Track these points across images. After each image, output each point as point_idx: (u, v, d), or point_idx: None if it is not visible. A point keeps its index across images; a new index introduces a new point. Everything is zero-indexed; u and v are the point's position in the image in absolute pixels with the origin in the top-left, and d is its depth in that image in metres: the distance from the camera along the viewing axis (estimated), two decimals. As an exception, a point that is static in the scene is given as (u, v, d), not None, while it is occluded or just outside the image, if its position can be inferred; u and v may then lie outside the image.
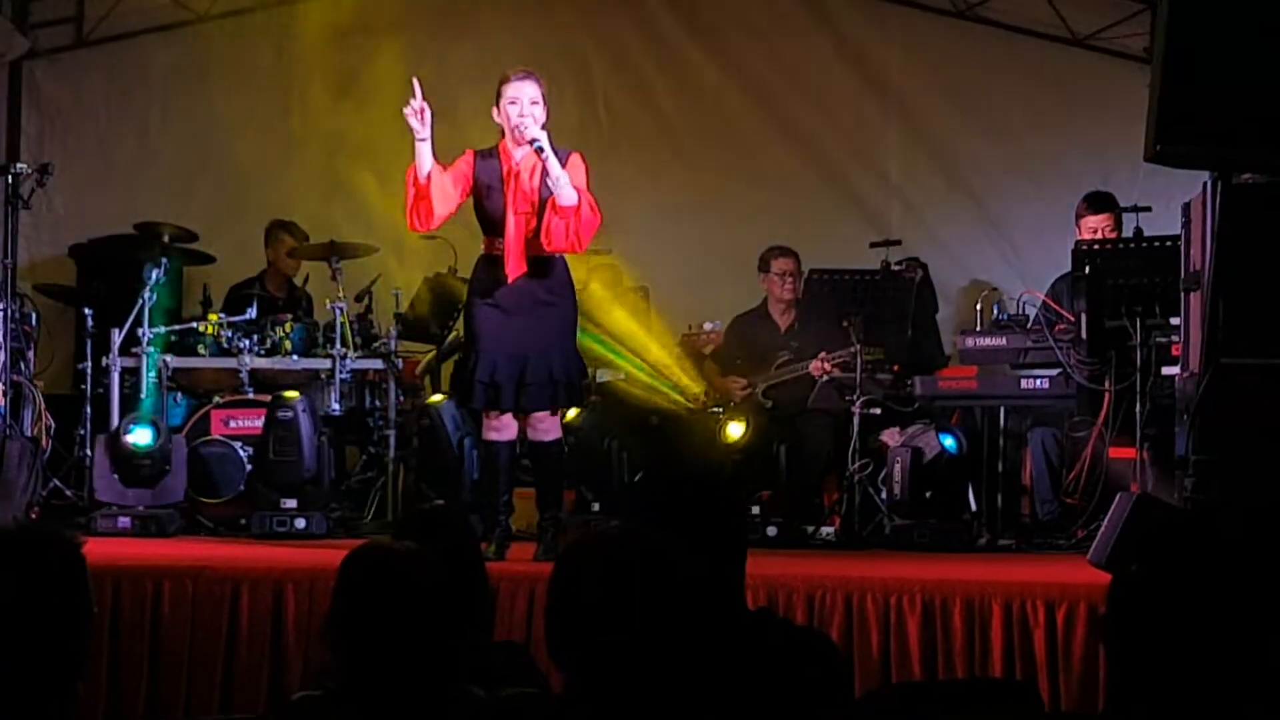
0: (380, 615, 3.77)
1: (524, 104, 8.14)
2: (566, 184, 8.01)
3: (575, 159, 8.19)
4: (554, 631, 3.53)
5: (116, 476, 9.60)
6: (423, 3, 12.53)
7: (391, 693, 3.73)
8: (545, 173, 8.06)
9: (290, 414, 9.71)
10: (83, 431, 10.23)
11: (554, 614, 3.54)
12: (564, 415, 8.78)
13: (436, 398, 10.40)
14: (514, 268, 8.17)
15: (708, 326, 11.00)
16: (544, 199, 8.11)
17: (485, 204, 8.27)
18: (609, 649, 3.42)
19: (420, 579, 3.83)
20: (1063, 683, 6.78)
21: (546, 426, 8.40)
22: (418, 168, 8.12)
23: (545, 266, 8.24)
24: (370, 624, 3.77)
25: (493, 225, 8.26)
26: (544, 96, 8.19)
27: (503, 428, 8.35)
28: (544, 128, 8.12)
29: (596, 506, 9.98)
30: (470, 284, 8.50)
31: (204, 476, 9.97)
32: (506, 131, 8.22)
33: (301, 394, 9.97)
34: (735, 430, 10.00)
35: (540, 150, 8.02)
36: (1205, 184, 7.17)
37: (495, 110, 8.26)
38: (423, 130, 8.10)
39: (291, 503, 9.62)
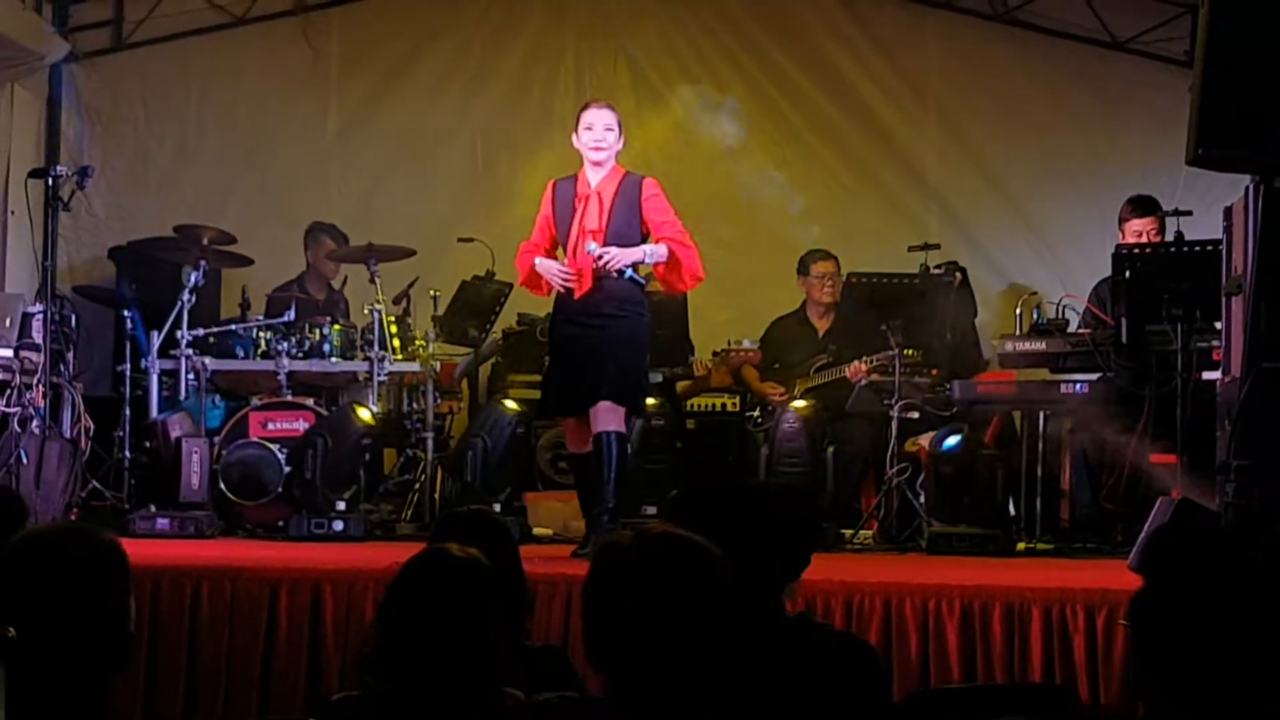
0: (438, 621, 3.75)
1: (599, 129, 8.55)
2: (648, 253, 8.50)
3: (651, 185, 8.63)
4: (590, 633, 3.52)
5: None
6: (461, 8, 12.52)
7: (432, 696, 3.72)
8: (623, 204, 8.51)
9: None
10: (121, 433, 10.26)
11: (589, 615, 3.53)
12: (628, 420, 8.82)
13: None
14: (580, 286, 8.49)
15: (745, 344, 10.96)
16: (613, 224, 8.49)
17: (561, 227, 8.63)
18: (644, 651, 3.40)
19: (480, 587, 3.82)
20: (1102, 688, 6.75)
21: (604, 418, 8.51)
22: (534, 269, 8.65)
23: (614, 284, 8.53)
24: (426, 629, 3.75)
25: (567, 246, 8.60)
26: (619, 124, 8.63)
27: (581, 440, 8.61)
28: (618, 155, 8.63)
29: (653, 511, 9.97)
30: (554, 303, 8.82)
31: (242, 479, 9.99)
32: (584, 156, 8.58)
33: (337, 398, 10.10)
34: (799, 403, 10.07)
35: (600, 259, 8.44)
36: (1247, 188, 7.12)
37: (575, 137, 8.63)
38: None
39: (341, 504, 9.68)
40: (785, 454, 10.08)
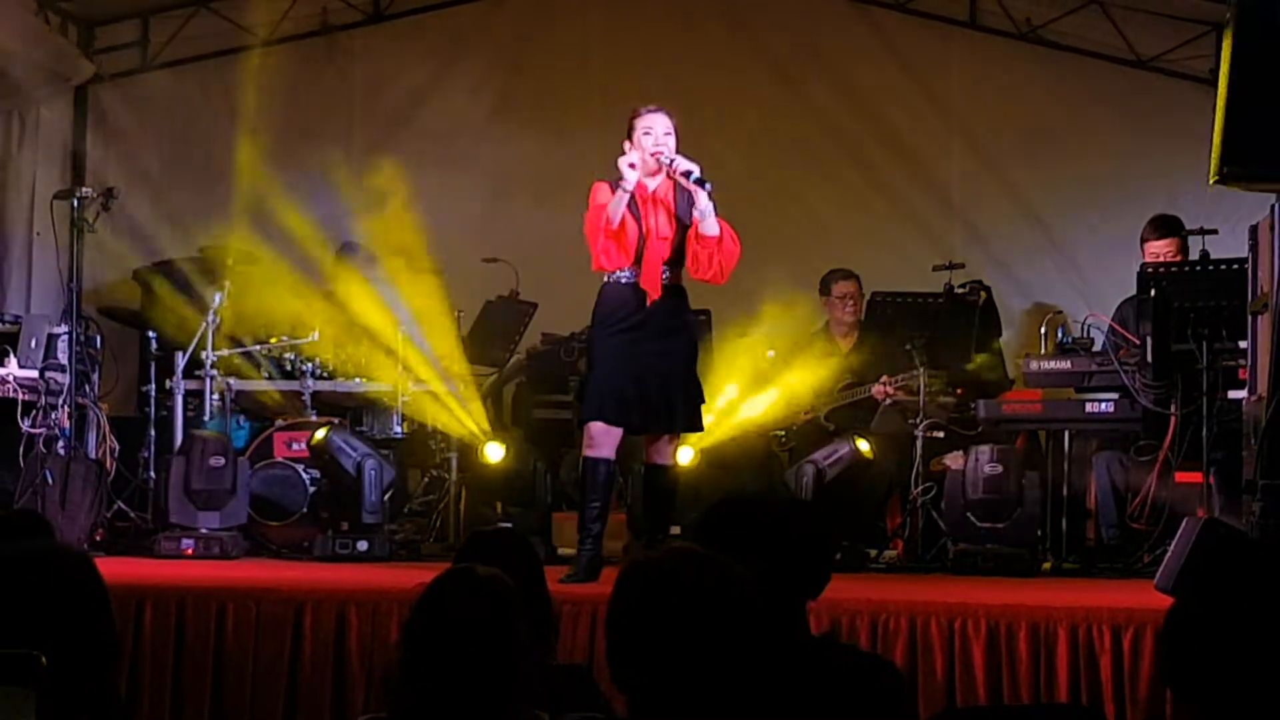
0: (463, 641, 3.75)
1: (658, 134, 8.27)
2: (712, 215, 8.18)
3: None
4: (613, 652, 3.52)
5: (186, 498, 9.64)
6: (486, 30, 12.55)
7: (458, 716, 3.72)
8: (684, 203, 8.22)
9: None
10: (146, 454, 10.28)
11: (613, 635, 3.53)
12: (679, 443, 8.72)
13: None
14: (653, 291, 8.25)
15: (770, 355, 10.94)
16: (681, 227, 8.27)
17: (620, 232, 8.30)
18: (668, 670, 3.40)
19: (505, 607, 3.82)
20: (1129, 708, 6.72)
21: (663, 451, 8.47)
22: (612, 214, 8.17)
23: (674, 293, 8.36)
24: (451, 649, 3.75)
25: (627, 253, 8.28)
26: (676, 130, 8.32)
27: (598, 444, 8.31)
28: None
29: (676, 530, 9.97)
30: (596, 312, 8.42)
31: (267, 499, 10.00)
32: (640, 161, 8.26)
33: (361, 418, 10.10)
34: (865, 445, 9.96)
35: (701, 182, 8.13)
36: (1273, 206, 7.12)
37: (627, 143, 8.32)
38: (630, 183, 8.18)
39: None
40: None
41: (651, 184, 8.33)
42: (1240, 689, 3.16)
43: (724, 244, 8.25)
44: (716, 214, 8.23)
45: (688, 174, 8.13)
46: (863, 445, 9.86)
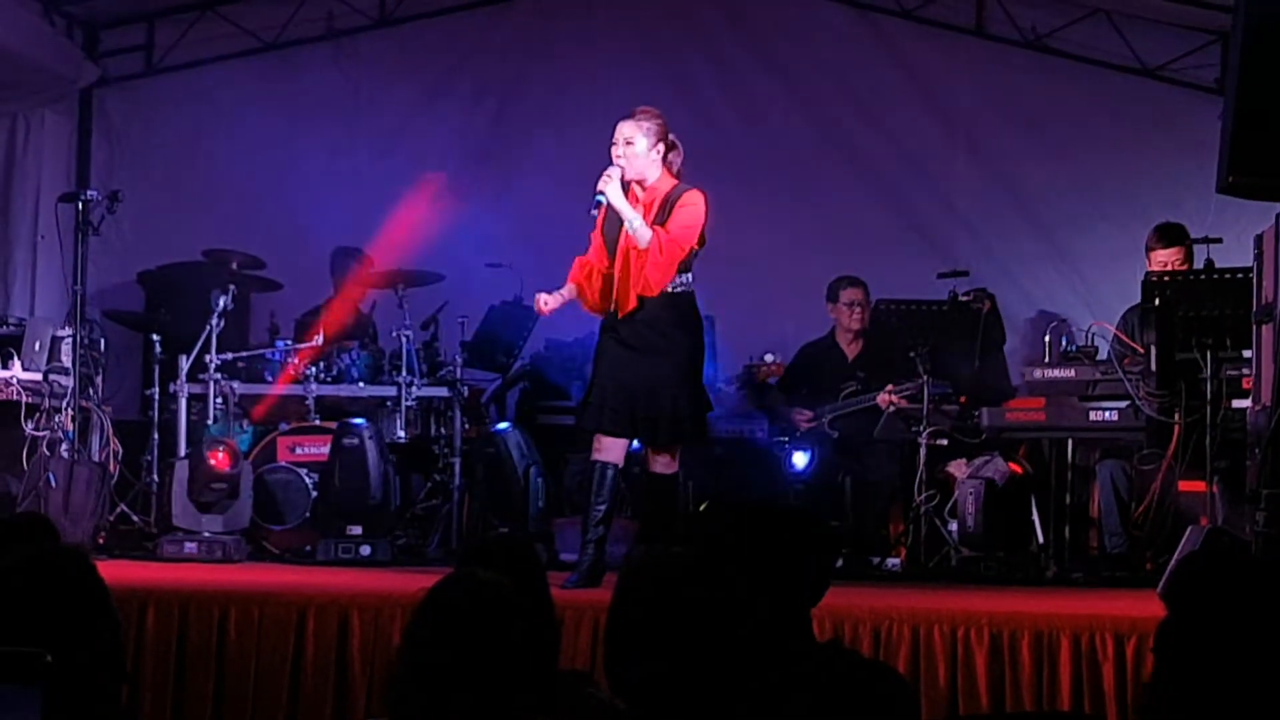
0: (464, 646, 3.75)
1: (620, 144, 8.25)
2: (639, 226, 8.11)
3: (687, 197, 8.27)
4: (613, 656, 3.52)
5: (190, 501, 9.65)
6: (490, 35, 12.55)
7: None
8: (662, 215, 8.19)
9: (355, 440, 9.78)
10: (149, 457, 10.29)
11: (613, 639, 3.53)
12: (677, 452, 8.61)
13: (503, 425, 10.40)
14: (622, 302, 8.25)
15: (769, 359, 10.95)
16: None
17: (609, 237, 8.36)
18: (666, 675, 3.40)
19: (506, 612, 3.82)
20: (1132, 717, 6.71)
21: (662, 461, 8.44)
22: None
23: (664, 303, 8.28)
24: (452, 654, 3.75)
25: (615, 259, 8.34)
26: (652, 132, 8.27)
27: (603, 449, 8.31)
28: (669, 164, 8.33)
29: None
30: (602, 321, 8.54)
31: (270, 503, 10.00)
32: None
33: (368, 420, 10.06)
34: (800, 459, 9.98)
35: (597, 205, 8.19)
36: (1278, 215, 7.11)
37: None
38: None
39: (356, 529, 9.65)
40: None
41: (640, 191, 8.33)
42: (1228, 701, 3.15)
43: (650, 255, 8.15)
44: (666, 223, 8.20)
45: (597, 194, 8.18)
46: (799, 460, 10.00)
